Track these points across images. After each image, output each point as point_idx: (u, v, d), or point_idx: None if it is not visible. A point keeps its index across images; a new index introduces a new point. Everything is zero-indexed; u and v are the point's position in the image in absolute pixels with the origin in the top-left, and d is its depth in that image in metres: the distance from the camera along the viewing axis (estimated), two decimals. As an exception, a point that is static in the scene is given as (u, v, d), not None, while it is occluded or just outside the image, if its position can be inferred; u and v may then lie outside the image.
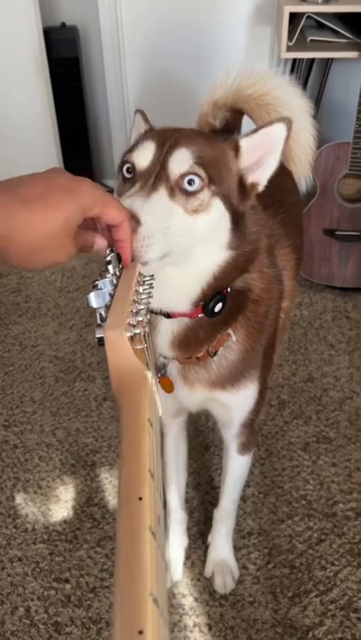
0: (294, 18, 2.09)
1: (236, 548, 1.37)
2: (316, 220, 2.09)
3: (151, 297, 0.55)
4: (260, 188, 0.79)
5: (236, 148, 0.77)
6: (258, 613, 1.25)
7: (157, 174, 0.70)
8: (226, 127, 1.25)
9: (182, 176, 0.70)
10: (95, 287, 0.53)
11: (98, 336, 0.48)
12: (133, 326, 0.49)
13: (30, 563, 1.36)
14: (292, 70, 2.42)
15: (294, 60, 2.38)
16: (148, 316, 0.53)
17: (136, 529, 0.34)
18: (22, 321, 2.11)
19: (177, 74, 2.66)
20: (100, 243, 0.61)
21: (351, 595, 1.28)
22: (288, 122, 0.75)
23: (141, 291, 0.55)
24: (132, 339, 0.48)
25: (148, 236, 0.64)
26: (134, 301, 0.52)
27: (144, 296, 0.54)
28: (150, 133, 0.78)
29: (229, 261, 0.78)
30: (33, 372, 1.89)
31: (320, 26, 2.15)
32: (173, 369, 0.94)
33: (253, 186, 0.78)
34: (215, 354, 0.90)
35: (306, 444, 1.62)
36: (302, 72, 2.41)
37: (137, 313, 0.50)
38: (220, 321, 0.86)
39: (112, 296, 0.52)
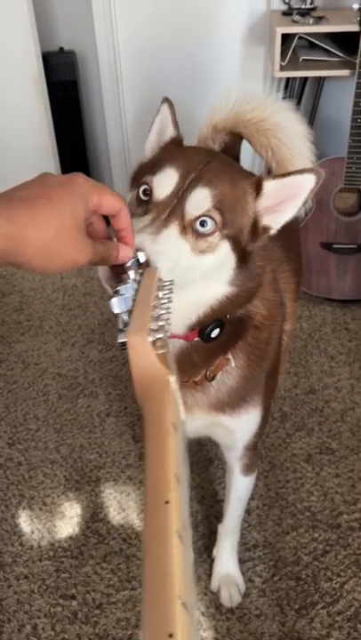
0: (287, 38, 2.15)
1: (242, 561, 1.37)
2: (313, 233, 2.12)
3: (171, 302, 0.55)
4: (273, 232, 0.78)
5: (258, 189, 0.76)
6: (265, 626, 1.25)
7: (173, 209, 0.69)
8: (225, 151, 1.25)
9: (197, 218, 0.70)
10: (117, 293, 0.53)
11: (120, 341, 0.48)
12: (155, 331, 0.49)
13: (36, 580, 1.36)
14: (285, 89, 2.47)
15: (288, 78, 2.43)
16: (170, 321, 0.53)
17: (163, 533, 0.34)
18: (25, 339, 2.13)
19: (174, 95, 2.70)
20: (126, 253, 0.60)
21: (358, 606, 1.27)
22: (319, 175, 0.74)
23: (161, 295, 0.55)
24: (153, 343, 0.48)
25: (159, 252, 0.64)
26: (155, 306, 0.52)
27: (164, 301, 0.54)
28: (174, 156, 0.76)
29: (229, 297, 0.77)
30: (36, 390, 1.91)
31: (312, 45, 2.21)
32: None
33: (266, 229, 0.78)
34: (213, 378, 0.88)
35: (309, 456, 1.62)
36: (296, 90, 2.46)
37: (158, 318, 0.51)
38: (218, 346, 0.84)
39: (134, 301, 0.53)
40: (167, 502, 0.35)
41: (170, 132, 0.88)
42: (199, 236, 0.70)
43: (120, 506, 1.52)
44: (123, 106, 2.85)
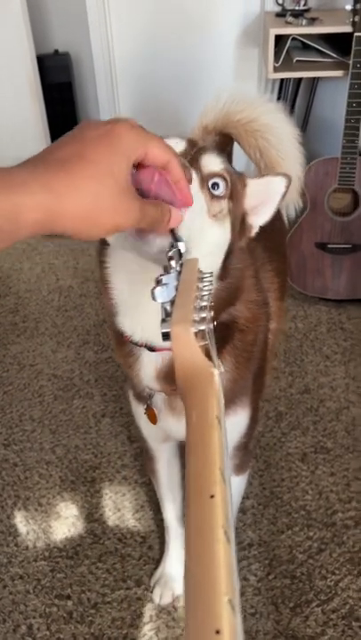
0: (280, 40, 2.16)
1: (237, 560, 1.37)
2: (307, 234, 2.13)
3: (211, 293, 0.53)
4: (253, 234, 0.79)
5: (244, 185, 0.76)
6: (260, 624, 1.25)
7: (190, 160, 0.66)
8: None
9: (211, 175, 0.68)
10: (159, 282, 0.51)
11: (163, 331, 0.47)
12: (197, 322, 0.47)
13: (32, 580, 1.36)
14: (280, 89, 2.48)
15: (282, 79, 2.44)
16: (212, 313, 0.51)
17: (208, 527, 0.32)
18: (20, 340, 2.14)
19: (168, 96, 2.72)
20: (178, 216, 0.56)
21: (352, 603, 1.28)
22: (288, 179, 0.75)
23: (201, 287, 0.53)
24: (196, 335, 0.46)
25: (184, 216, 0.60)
26: (196, 297, 0.50)
27: (205, 292, 0.52)
28: (175, 135, 0.74)
29: (216, 292, 0.76)
30: (32, 391, 1.91)
31: (305, 47, 2.22)
32: (159, 399, 0.92)
33: (250, 228, 0.78)
34: None
35: (304, 455, 1.63)
36: (290, 91, 2.47)
37: (201, 309, 0.49)
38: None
39: (176, 291, 0.51)
40: (212, 496, 0.34)
41: None
42: (213, 197, 0.68)
43: (115, 506, 1.52)
44: (118, 107, 2.85)
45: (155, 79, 2.73)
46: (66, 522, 1.49)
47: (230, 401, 0.93)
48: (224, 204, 0.70)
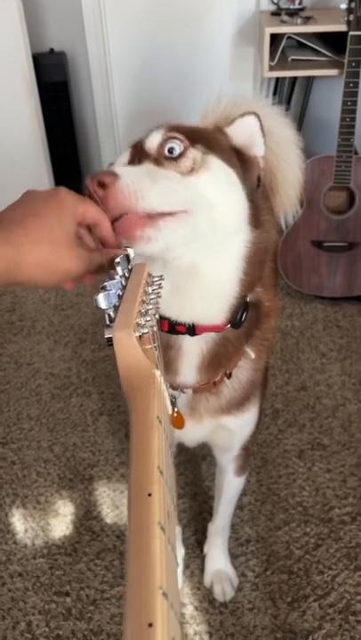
0: (275, 39, 2.17)
1: (235, 556, 1.38)
2: (303, 232, 2.14)
3: (160, 297, 0.55)
4: (261, 163, 0.77)
5: (221, 130, 0.76)
6: (258, 619, 1.26)
7: (139, 157, 0.69)
8: None
9: (160, 146, 0.68)
10: (104, 289, 0.53)
11: (106, 336, 0.49)
12: (142, 326, 0.49)
13: (30, 577, 1.37)
14: (275, 88, 2.49)
15: (277, 78, 2.45)
16: (157, 316, 0.53)
17: (145, 524, 0.34)
18: (17, 339, 2.14)
19: (164, 95, 2.72)
20: (106, 250, 0.61)
21: (349, 598, 1.29)
22: (256, 115, 0.75)
23: (150, 291, 0.55)
24: (140, 338, 0.48)
25: (132, 182, 0.61)
26: (143, 302, 0.52)
27: (153, 296, 0.55)
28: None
29: (256, 242, 0.73)
30: (29, 390, 1.91)
31: (301, 45, 2.23)
32: (181, 402, 0.87)
33: (254, 159, 0.76)
34: (230, 375, 0.84)
35: (301, 452, 1.64)
36: (285, 90, 2.48)
37: (146, 313, 0.51)
38: (243, 334, 0.81)
39: (120, 297, 0.53)
40: (150, 494, 0.36)
41: None
42: (176, 159, 0.67)
43: (113, 503, 1.53)
44: (113, 106, 2.86)
45: (150, 77, 2.73)
46: (64, 519, 1.50)
47: (247, 396, 0.90)
48: (191, 154, 0.68)
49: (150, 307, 0.53)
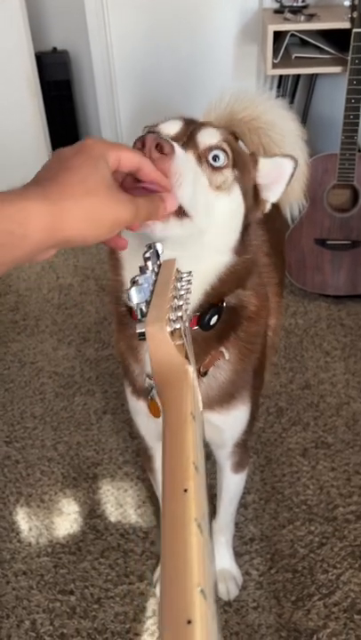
0: (279, 36, 2.16)
1: (239, 555, 1.38)
2: (307, 230, 2.13)
3: (190, 292, 0.55)
4: (267, 208, 0.81)
5: (255, 162, 0.78)
6: (262, 618, 1.26)
7: (185, 142, 0.69)
8: None
9: (210, 148, 0.69)
10: (135, 283, 0.53)
11: (139, 331, 0.48)
12: (173, 321, 0.49)
13: (35, 576, 1.37)
14: (278, 86, 2.48)
15: (281, 76, 2.44)
16: (188, 311, 0.53)
17: (181, 521, 0.33)
18: (21, 338, 2.14)
19: (167, 93, 2.72)
20: (173, 200, 0.60)
21: (354, 597, 1.29)
22: (295, 161, 0.78)
23: (179, 286, 0.55)
24: (172, 334, 0.48)
25: (180, 173, 0.61)
26: (173, 297, 0.52)
27: (182, 292, 0.54)
28: (173, 116, 0.76)
29: (233, 266, 0.77)
30: (33, 389, 1.91)
31: (304, 43, 2.22)
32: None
33: (264, 201, 0.80)
34: (205, 374, 0.87)
35: (305, 450, 1.64)
36: (289, 87, 2.48)
37: (176, 308, 0.51)
38: (213, 337, 0.83)
39: (152, 292, 0.53)
40: (185, 490, 0.35)
41: None
42: (214, 169, 0.69)
43: (117, 502, 1.53)
44: (116, 104, 2.85)
45: (153, 76, 2.73)
46: (68, 518, 1.50)
47: (231, 395, 0.93)
48: (227, 173, 0.71)
49: (181, 302, 0.52)
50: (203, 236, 0.70)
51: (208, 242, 0.71)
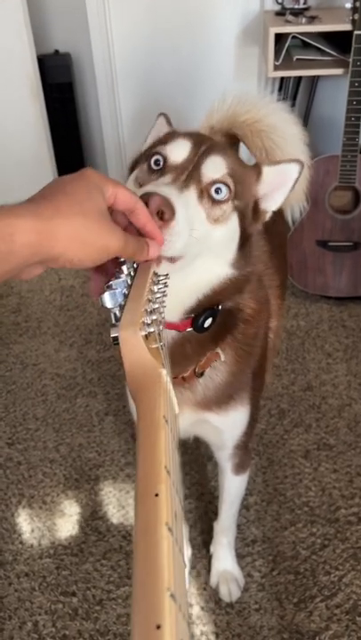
0: (280, 38, 2.17)
1: (241, 556, 1.38)
2: (308, 232, 2.13)
3: (166, 295, 0.55)
4: (267, 217, 0.81)
5: (259, 174, 0.79)
6: (264, 620, 1.26)
7: (190, 173, 0.70)
8: None
9: (213, 182, 0.70)
10: (109, 288, 0.53)
11: (112, 335, 0.48)
12: (148, 325, 0.49)
13: (37, 577, 1.37)
14: (280, 88, 2.49)
15: (282, 78, 2.44)
16: (164, 315, 0.53)
17: (152, 525, 0.33)
18: (23, 340, 2.14)
19: (169, 96, 2.72)
20: (156, 248, 0.61)
21: (356, 599, 1.28)
22: (301, 165, 0.78)
23: (156, 290, 0.55)
24: (146, 337, 0.48)
25: (178, 232, 0.63)
26: (149, 300, 0.52)
27: (159, 295, 0.54)
28: (182, 133, 0.78)
29: (230, 279, 0.77)
30: (35, 390, 1.92)
31: (305, 45, 2.22)
32: None
33: (263, 213, 0.81)
34: (202, 374, 0.87)
35: (307, 452, 1.64)
36: (290, 89, 2.48)
37: (152, 312, 0.51)
38: (208, 339, 0.83)
39: (126, 296, 0.53)
40: (157, 495, 0.35)
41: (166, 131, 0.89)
42: (214, 202, 0.71)
43: (119, 503, 1.53)
44: (118, 106, 2.86)
45: (155, 78, 2.74)
46: (70, 519, 1.50)
47: (229, 396, 0.93)
48: (226, 206, 0.72)
49: (156, 305, 0.53)
50: (196, 260, 0.71)
51: (202, 263, 0.72)
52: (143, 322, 0.49)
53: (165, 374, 0.47)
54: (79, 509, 1.53)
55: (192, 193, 0.68)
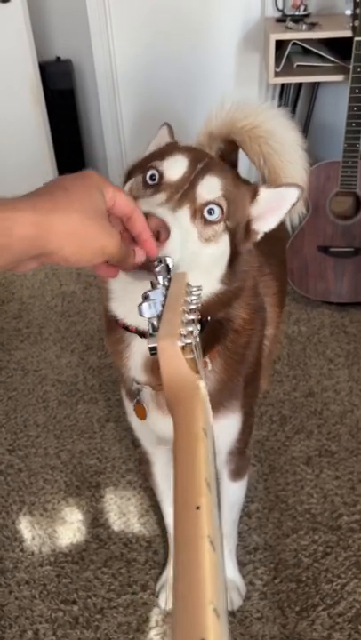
0: (281, 45, 2.17)
1: (242, 564, 1.37)
2: (309, 237, 2.13)
3: (199, 308, 0.55)
4: (258, 238, 0.81)
5: (255, 195, 0.79)
6: (266, 629, 1.25)
7: (185, 192, 0.70)
8: (221, 158, 1.25)
9: (207, 203, 0.71)
10: (147, 298, 0.53)
11: (150, 345, 0.48)
12: (184, 336, 0.49)
13: (37, 585, 1.37)
14: (281, 94, 2.49)
15: (283, 84, 2.45)
16: (198, 326, 0.53)
17: (194, 538, 0.33)
18: (24, 346, 2.14)
19: (170, 102, 2.73)
20: (141, 256, 0.62)
21: (359, 607, 1.28)
22: (301, 190, 0.78)
23: (189, 300, 0.55)
24: (183, 348, 0.48)
25: (171, 251, 0.64)
26: (183, 311, 0.52)
27: (192, 306, 0.54)
28: (180, 148, 0.78)
29: (217, 294, 0.78)
30: (36, 397, 1.91)
31: (306, 51, 2.23)
32: (147, 395, 0.91)
33: (255, 233, 0.81)
34: None
35: (308, 458, 1.63)
36: (291, 95, 2.49)
37: (187, 323, 0.51)
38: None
39: (163, 306, 0.53)
40: (198, 508, 0.35)
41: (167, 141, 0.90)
42: (206, 223, 0.71)
43: (120, 510, 1.52)
44: (119, 113, 2.87)
45: (156, 85, 2.75)
46: (71, 527, 1.50)
47: (219, 403, 0.93)
48: (218, 227, 0.73)
49: (191, 317, 0.52)
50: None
51: (191, 278, 0.72)
52: (180, 333, 0.49)
53: (203, 386, 0.47)
54: (80, 516, 1.52)
55: (185, 212, 0.69)
